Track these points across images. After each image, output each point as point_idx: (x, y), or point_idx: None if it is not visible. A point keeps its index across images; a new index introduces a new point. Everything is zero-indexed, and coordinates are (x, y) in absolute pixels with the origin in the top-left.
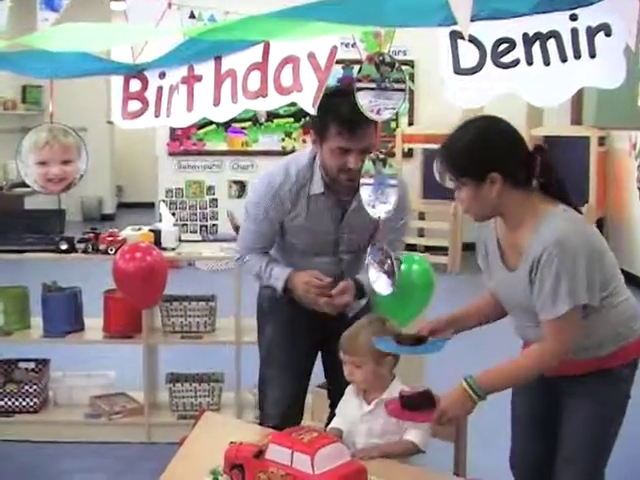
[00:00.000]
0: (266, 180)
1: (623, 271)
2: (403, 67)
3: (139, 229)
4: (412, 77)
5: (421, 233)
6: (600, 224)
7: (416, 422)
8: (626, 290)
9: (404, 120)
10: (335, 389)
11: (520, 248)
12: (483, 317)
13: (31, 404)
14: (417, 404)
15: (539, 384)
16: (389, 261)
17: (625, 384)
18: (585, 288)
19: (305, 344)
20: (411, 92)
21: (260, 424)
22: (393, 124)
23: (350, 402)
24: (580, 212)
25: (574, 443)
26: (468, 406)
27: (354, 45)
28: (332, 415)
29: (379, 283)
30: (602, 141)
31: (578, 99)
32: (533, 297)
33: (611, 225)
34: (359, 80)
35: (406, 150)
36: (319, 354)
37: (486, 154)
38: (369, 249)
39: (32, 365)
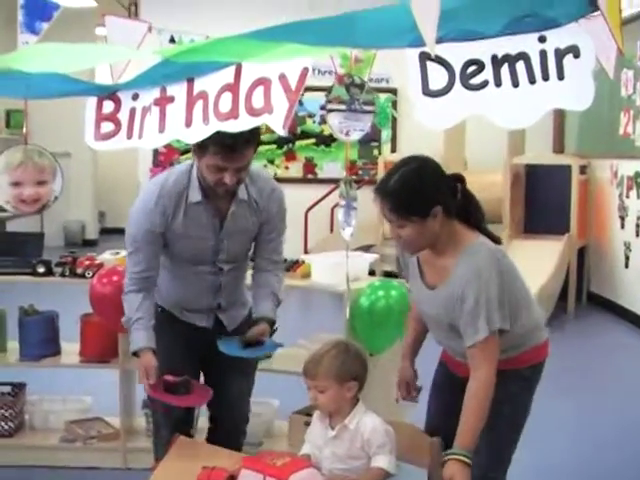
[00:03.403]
0: (143, 197)
1: (604, 299)
2: (386, 95)
3: (117, 253)
4: (395, 105)
5: None
6: (581, 253)
7: (184, 405)
8: (532, 307)
9: (387, 147)
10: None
11: (441, 271)
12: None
13: (6, 428)
14: (176, 389)
15: (452, 386)
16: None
17: (528, 383)
18: (500, 315)
19: (185, 358)
20: (394, 119)
21: (154, 435)
22: (375, 151)
23: (315, 427)
24: (495, 240)
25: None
26: (467, 471)
27: (336, 73)
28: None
29: None
30: (584, 170)
31: (560, 127)
32: (451, 318)
33: (593, 254)
34: (329, 102)
35: None
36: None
37: (429, 190)
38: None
39: (8, 389)
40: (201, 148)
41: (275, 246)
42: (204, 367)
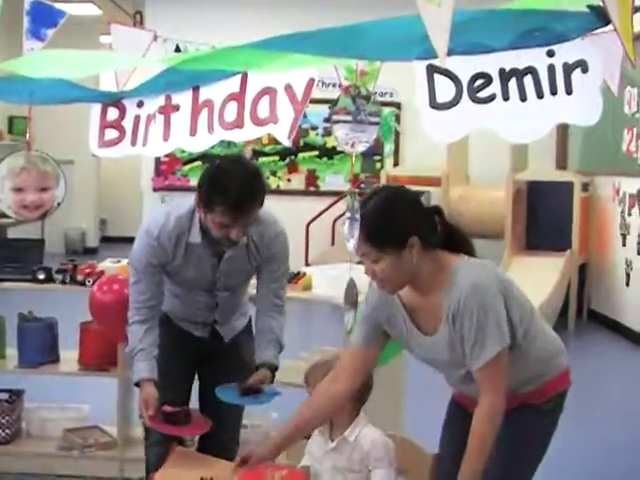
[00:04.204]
0: (145, 231)
1: (604, 316)
2: (389, 108)
3: (118, 261)
4: (398, 118)
5: None
6: (582, 270)
7: (183, 435)
8: (544, 325)
9: (389, 161)
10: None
11: (435, 310)
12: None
13: (3, 435)
14: (176, 419)
15: (465, 423)
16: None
17: (549, 419)
18: (507, 330)
19: (180, 366)
20: (397, 133)
21: (145, 438)
22: (378, 165)
23: (315, 439)
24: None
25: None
26: None
27: (340, 86)
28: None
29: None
30: (586, 187)
31: (563, 144)
32: (462, 350)
33: (594, 271)
34: (336, 112)
35: None
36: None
37: (403, 219)
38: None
39: (6, 396)
40: (207, 206)
41: (276, 289)
42: (200, 371)
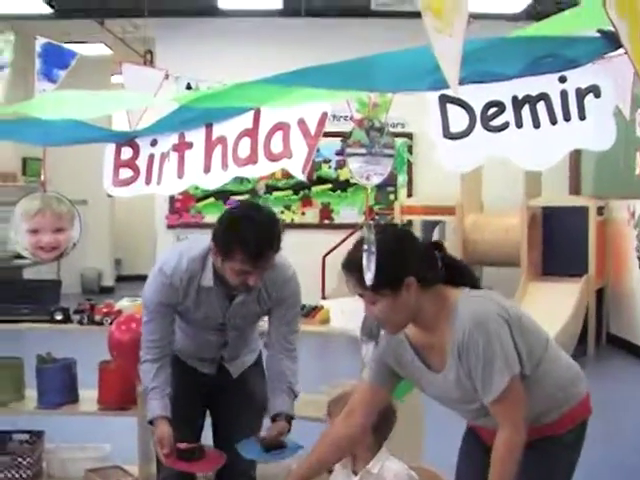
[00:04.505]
0: (158, 271)
1: (624, 340)
2: (401, 139)
3: (135, 300)
4: (410, 149)
5: None
6: (600, 294)
7: (198, 471)
8: (559, 353)
9: (403, 191)
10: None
11: (441, 348)
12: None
13: (24, 476)
14: (190, 454)
15: (484, 457)
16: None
17: (571, 450)
18: (516, 357)
19: (190, 402)
20: (410, 164)
21: (157, 471)
22: (392, 196)
23: (338, 472)
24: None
25: None
26: None
27: (352, 119)
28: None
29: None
30: (601, 211)
31: (576, 169)
32: (471, 384)
33: (611, 295)
34: (349, 146)
35: (405, 222)
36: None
37: (397, 262)
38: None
39: (26, 437)
40: (226, 254)
41: (287, 333)
42: (211, 406)
